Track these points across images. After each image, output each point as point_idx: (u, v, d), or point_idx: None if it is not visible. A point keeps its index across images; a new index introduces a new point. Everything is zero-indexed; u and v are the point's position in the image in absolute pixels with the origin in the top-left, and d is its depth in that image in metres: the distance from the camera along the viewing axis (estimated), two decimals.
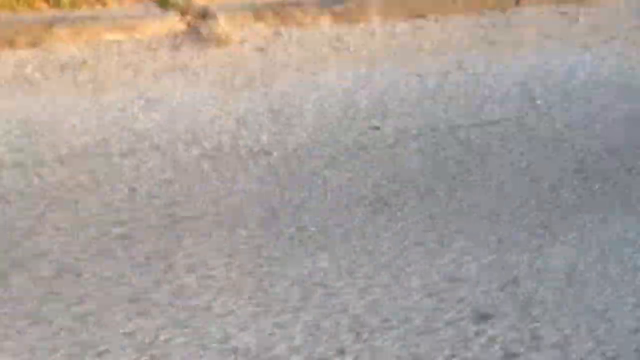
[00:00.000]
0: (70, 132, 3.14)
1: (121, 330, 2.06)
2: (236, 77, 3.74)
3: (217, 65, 3.85)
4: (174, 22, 4.26)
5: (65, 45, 3.95)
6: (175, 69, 3.79)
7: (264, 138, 3.19)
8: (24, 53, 3.85)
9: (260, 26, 4.31)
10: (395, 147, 3.16)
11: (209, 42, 4.09)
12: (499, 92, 3.65)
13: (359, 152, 3.12)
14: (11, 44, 3.93)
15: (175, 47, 4.01)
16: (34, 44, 3.96)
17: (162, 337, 2.04)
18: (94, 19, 4.17)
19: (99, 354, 1.97)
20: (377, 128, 3.31)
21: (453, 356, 2.00)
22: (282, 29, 4.29)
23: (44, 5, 4.33)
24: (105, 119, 3.27)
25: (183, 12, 4.32)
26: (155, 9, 4.36)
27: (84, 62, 3.80)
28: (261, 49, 4.06)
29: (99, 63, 3.80)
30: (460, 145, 3.18)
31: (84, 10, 4.30)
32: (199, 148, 3.09)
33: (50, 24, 4.05)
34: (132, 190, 2.77)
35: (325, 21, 4.44)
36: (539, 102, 3.55)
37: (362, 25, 4.41)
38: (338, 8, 4.47)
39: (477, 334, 2.09)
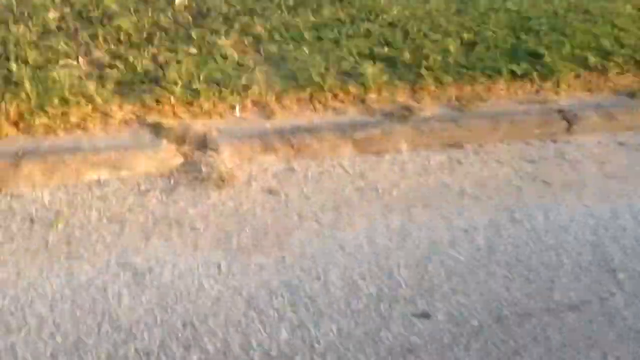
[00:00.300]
0: (37, 330, 2.42)
1: None
2: (243, 233, 3.05)
3: (219, 216, 3.15)
4: (169, 154, 3.57)
5: (35, 188, 3.26)
6: (169, 222, 3.08)
7: (284, 334, 2.48)
8: None
9: (270, 159, 3.63)
10: (453, 348, 2.45)
11: (210, 182, 3.40)
12: (568, 258, 2.97)
13: (406, 358, 2.41)
14: None
15: (170, 190, 3.32)
16: None
17: None
18: (73, 150, 3.48)
19: None
20: (427, 316, 2.60)
21: None
22: (296, 164, 3.62)
23: (11, 131, 3.62)
24: (79, 306, 2.55)
25: (179, 141, 3.64)
26: (146, 136, 3.67)
27: (58, 213, 3.09)
28: (272, 191, 3.38)
29: (75, 215, 3.09)
30: (538, 345, 2.47)
31: (60, 137, 3.61)
32: (200, 351, 2.37)
33: (17, 159, 3.34)
34: None
35: (346, 151, 3.78)
36: (621, 275, 2.86)
37: (389, 157, 3.74)
38: (360, 135, 3.81)
39: None
